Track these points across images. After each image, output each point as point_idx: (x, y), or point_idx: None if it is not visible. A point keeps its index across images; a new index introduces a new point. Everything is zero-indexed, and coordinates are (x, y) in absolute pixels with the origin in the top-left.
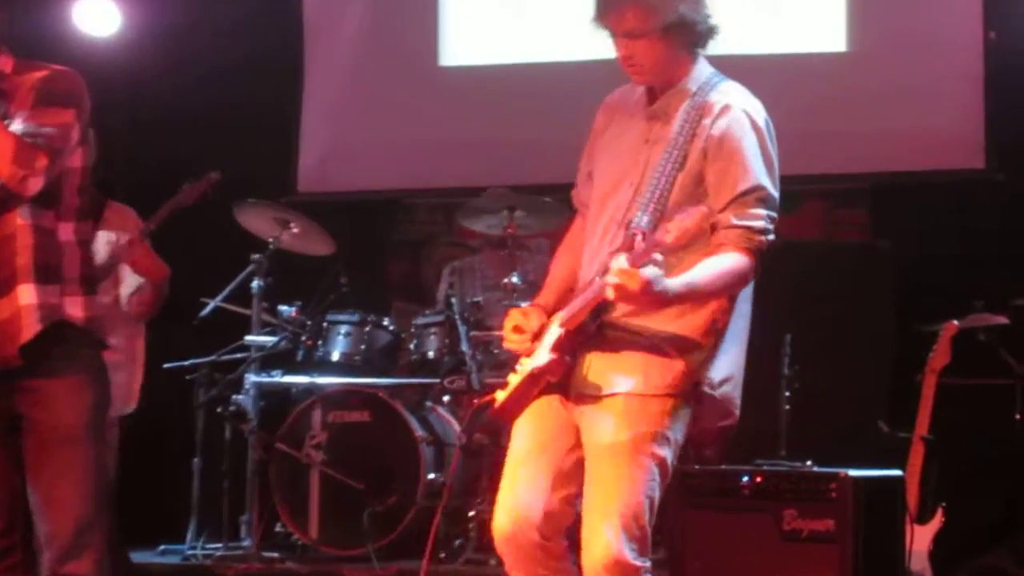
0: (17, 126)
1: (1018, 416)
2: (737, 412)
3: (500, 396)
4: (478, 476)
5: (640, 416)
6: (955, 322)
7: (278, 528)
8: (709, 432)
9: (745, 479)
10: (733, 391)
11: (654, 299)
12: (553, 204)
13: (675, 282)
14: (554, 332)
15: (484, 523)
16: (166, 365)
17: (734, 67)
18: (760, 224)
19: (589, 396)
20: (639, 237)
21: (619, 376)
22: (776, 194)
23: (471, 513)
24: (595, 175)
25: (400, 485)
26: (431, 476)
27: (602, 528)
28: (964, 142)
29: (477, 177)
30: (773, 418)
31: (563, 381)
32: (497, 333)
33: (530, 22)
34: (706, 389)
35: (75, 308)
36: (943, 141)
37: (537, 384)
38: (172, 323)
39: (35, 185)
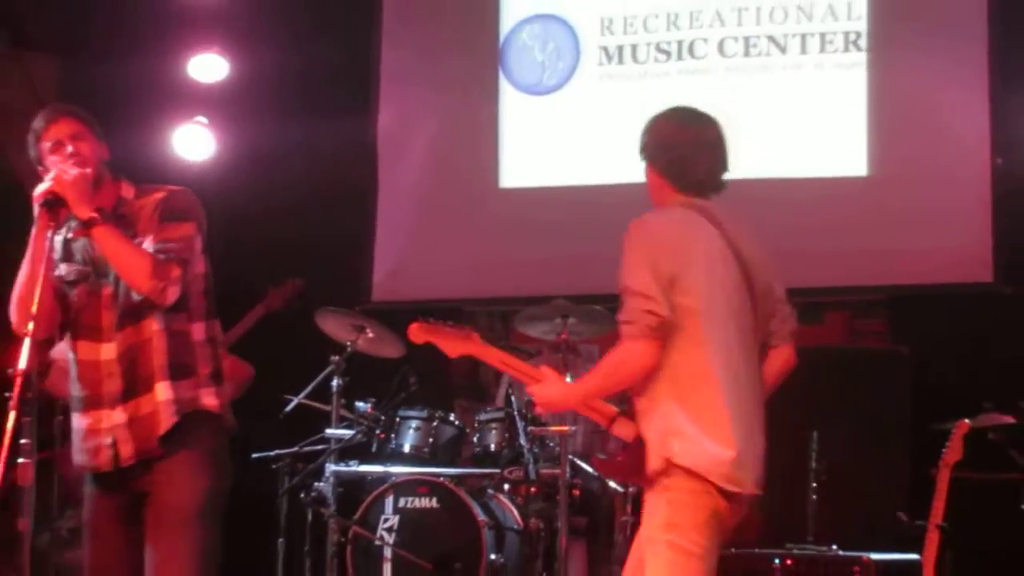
0: (148, 245)
1: None
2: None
3: None
4: (533, 559)
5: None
6: (967, 421)
7: None
8: None
9: (776, 562)
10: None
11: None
12: (603, 312)
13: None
14: None
15: None
16: (254, 455)
17: (765, 188)
18: (626, 316)
19: None
20: None
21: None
22: (637, 282)
23: None
24: None
25: (464, 565)
26: (492, 557)
27: None
28: (974, 258)
29: (532, 287)
30: (802, 507)
31: None
32: (552, 429)
33: (581, 147)
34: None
35: (210, 398)
36: (955, 257)
37: None
38: (259, 418)
39: (173, 294)
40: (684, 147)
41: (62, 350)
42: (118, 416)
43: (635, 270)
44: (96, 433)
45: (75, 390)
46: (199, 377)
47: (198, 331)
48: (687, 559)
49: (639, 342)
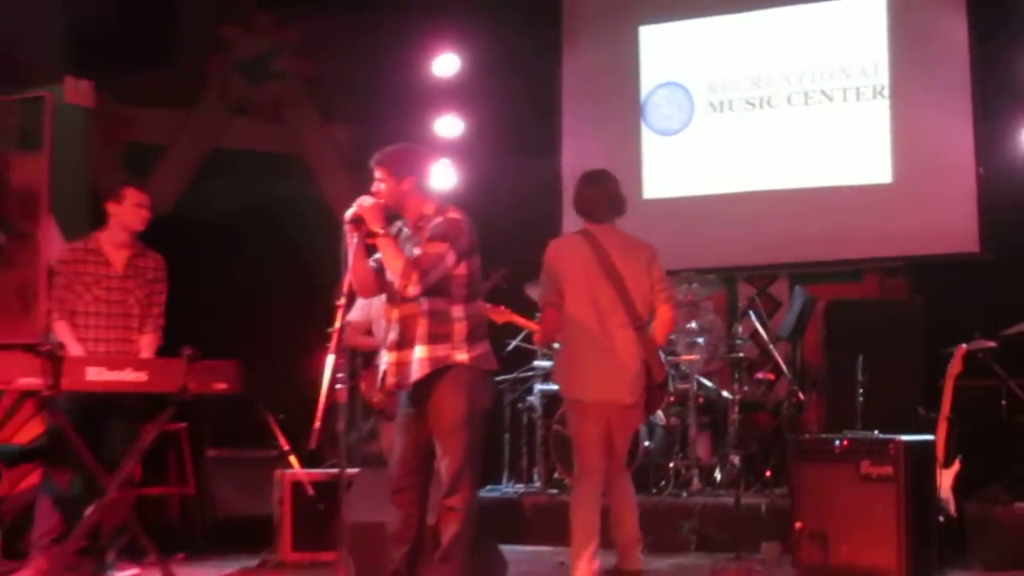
0: (414, 251)
1: (1003, 403)
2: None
3: None
4: (672, 445)
5: None
6: (964, 345)
7: (556, 476)
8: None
9: (836, 442)
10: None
11: None
12: (715, 279)
13: None
14: None
15: (678, 472)
16: None
17: (822, 192)
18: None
19: None
20: None
21: None
22: (541, 287)
23: (671, 464)
24: None
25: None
26: (646, 443)
27: None
28: (966, 236)
29: (666, 265)
30: (852, 406)
31: None
32: (684, 358)
33: (696, 170)
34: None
35: (462, 355)
36: (953, 235)
37: None
38: None
39: (413, 291)
40: (587, 199)
41: (353, 316)
42: (392, 357)
43: (541, 277)
44: (382, 365)
45: (383, 338)
46: (454, 342)
47: (457, 310)
48: (572, 413)
49: (545, 310)
